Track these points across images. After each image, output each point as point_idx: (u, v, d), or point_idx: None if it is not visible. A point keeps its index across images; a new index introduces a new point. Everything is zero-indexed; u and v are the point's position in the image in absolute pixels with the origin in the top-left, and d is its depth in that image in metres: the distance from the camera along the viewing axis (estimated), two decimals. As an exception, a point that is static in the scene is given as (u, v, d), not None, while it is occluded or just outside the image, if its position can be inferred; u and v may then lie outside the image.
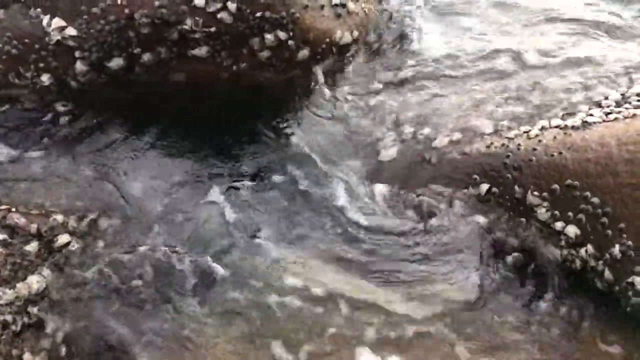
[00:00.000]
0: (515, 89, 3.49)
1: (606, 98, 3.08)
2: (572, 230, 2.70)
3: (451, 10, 4.30)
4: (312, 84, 3.56)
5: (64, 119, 3.40)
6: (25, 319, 2.53)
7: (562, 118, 2.98)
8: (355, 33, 3.42)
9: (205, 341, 2.67)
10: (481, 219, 2.96)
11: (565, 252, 2.76)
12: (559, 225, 2.74)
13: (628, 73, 3.21)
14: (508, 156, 2.90)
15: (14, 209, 2.79)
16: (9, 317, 2.48)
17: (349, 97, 3.72)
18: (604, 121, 2.83)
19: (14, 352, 2.45)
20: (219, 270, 2.93)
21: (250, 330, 2.70)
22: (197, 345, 2.67)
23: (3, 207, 2.79)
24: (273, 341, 2.66)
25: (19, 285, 2.56)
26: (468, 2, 4.33)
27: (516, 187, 2.86)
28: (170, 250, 2.99)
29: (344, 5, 3.33)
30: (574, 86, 3.37)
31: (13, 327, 2.48)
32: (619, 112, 2.86)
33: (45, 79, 3.17)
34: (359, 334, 2.71)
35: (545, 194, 2.77)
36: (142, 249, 2.97)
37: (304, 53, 3.30)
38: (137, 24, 3.03)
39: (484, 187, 2.95)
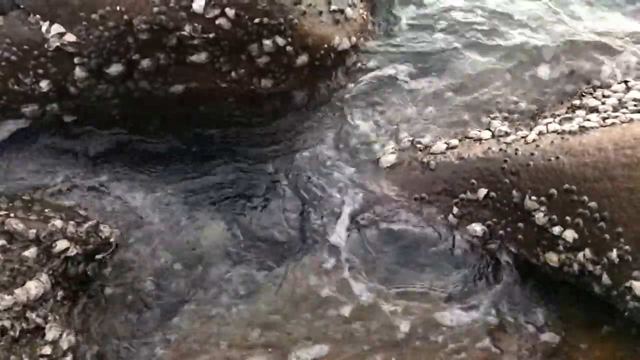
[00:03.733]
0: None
1: (603, 103, 3.09)
2: (569, 235, 2.71)
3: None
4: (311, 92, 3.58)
5: (64, 127, 3.42)
6: (24, 325, 2.53)
7: (560, 123, 2.98)
8: (354, 39, 3.44)
9: (207, 348, 2.68)
10: (479, 225, 2.96)
11: (563, 256, 2.76)
12: (556, 229, 2.75)
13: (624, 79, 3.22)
14: (506, 161, 2.91)
15: (12, 215, 2.78)
16: (7, 323, 2.47)
17: (348, 103, 3.73)
18: (601, 126, 2.84)
19: (12, 358, 2.44)
20: (217, 279, 2.94)
21: (246, 336, 2.71)
22: (199, 353, 2.67)
23: (2, 212, 2.79)
24: (272, 347, 2.67)
25: (18, 291, 2.55)
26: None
27: (514, 192, 2.86)
28: (169, 259, 3.00)
29: (342, 12, 3.35)
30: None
31: (11, 333, 2.47)
32: (616, 117, 2.87)
33: (44, 85, 3.18)
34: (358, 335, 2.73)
35: (543, 198, 2.78)
36: (142, 256, 2.98)
37: (303, 59, 3.32)
38: (136, 30, 3.04)
39: (482, 192, 2.95)
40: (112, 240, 2.97)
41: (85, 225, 2.92)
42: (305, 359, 2.64)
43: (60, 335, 2.61)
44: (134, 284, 2.89)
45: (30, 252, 2.67)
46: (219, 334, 2.72)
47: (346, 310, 2.81)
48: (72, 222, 2.86)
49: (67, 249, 2.77)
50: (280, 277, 2.95)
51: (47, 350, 2.54)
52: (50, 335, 2.58)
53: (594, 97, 3.21)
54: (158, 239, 3.06)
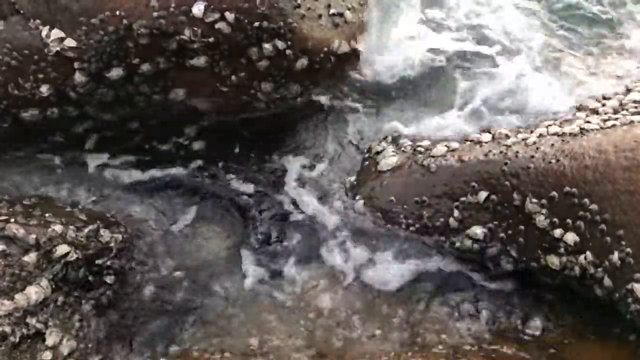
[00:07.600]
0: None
1: (604, 105, 3.09)
2: (571, 238, 2.70)
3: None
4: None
5: (65, 132, 3.42)
6: (24, 330, 2.52)
7: (560, 125, 2.98)
8: (353, 42, 3.44)
9: (209, 357, 2.68)
10: (479, 228, 2.96)
11: (564, 259, 2.75)
12: (557, 232, 2.74)
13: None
14: (506, 163, 2.90)
15: (12, 220, 2.78)
16: (7, 329, 2.47)
17: (347, 107, 3.73)
18: (601, 128, 2.84)
19: (13, 363, 2.44)
20: (217, 288, 2.94)
21: (245, 343, 2.70)
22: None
23: (2, 217, 2.79)
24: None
25: (18, 296, 2.55)
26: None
27: (515, 195, 2.86)
28: (169, 266, 3.00)
29: (341, 15, 3.35)
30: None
31: (12, 339, 2.47)
32: (616, 119, 2.87)
33: (45, 89, 3.18)
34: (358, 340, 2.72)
35: (543, 201, 2.77)
36: (143, 263, 2.98)
37: (302, 62, 3.32)
38: (135, 35, 3.05)
39: (483, 194, 2.95)
40: (112, 245, 2.96)
41: (86, 230, 2.92)
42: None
43: (61, 341, 2.60)
44: (135, 291, 2.89)
45: (30, 257, 2.67)
46: (222, 343, 2.72)
47: (347, 318, 2.81)
48: (72, 227, 2.86)
49: (67, 253, 2.76)
50: (284, 285, 2.95)
51: (47, 355, 2.54)
52: (50, 340, 2.58)
53: (594, 99, 3.21)
54: (160, 247, 3.07)
